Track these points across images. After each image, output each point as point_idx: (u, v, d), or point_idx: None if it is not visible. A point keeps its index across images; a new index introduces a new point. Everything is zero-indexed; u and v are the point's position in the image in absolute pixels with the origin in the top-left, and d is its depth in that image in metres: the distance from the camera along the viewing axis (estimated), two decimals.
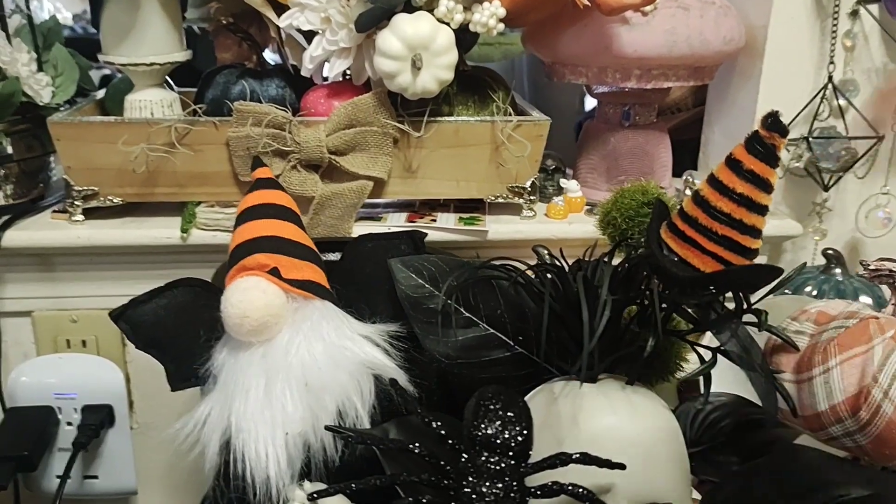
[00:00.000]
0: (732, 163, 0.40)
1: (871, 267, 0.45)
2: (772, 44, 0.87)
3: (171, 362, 0.50)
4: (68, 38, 0.92)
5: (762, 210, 0.40)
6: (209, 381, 0.48)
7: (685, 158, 1.05)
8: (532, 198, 0.88)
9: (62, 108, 0.84)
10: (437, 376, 0.48)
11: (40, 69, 0.84)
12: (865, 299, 0.82)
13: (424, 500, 0.36)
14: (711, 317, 0.42)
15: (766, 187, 0.40)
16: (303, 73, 0.83)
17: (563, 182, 0.93)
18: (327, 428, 0.43)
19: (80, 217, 0.83)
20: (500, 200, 0.87)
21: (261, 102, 0.81)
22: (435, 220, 0.87)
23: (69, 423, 0.87)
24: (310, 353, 0.45)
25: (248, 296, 0.45)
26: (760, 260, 0.93)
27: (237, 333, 0.46)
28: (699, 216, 0.40)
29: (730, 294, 0.45)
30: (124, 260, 0.85)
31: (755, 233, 0.40)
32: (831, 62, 0.86)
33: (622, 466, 0.38)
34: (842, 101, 0.87)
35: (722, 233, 0.40)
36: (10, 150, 0.83)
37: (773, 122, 0.39)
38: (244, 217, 0.50)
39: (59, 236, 0.82)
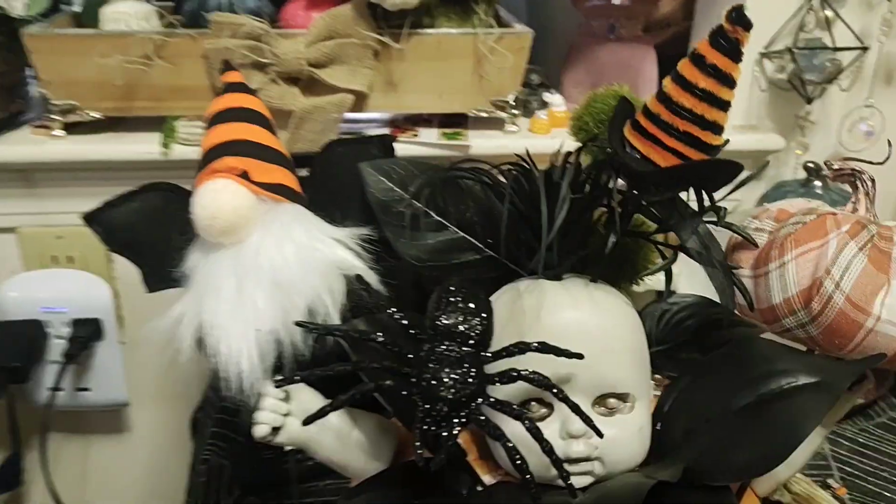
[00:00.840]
0: (696, 58, 0.40)
1: (835, 167, 0.45)
2: None
3: (146, 264, 0.51)
4: None
5: (724, 106, 0.40)
6: (180, 283, 0.49)
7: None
8: (515, 112, 0.87)
9: (37, 21, 0.83)
10: (411, 279, 0.49)
11: None
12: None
13: (385, 384, 0.37)
14: (673, 216, 0.43)
15: (729, 82, 0.40)
16: None
17: (547, 96, 0.92)
18: (296, 323, 0.44)
19: (61, 132, 0.83)
20: (483, 115, 0.87)
21: (237, 14, 0.79)
22: (417, 136, 0.87)
23: (59, 337, 0.88)
24: (280, 254, 0.46)
25: (218, 197, 0.46)
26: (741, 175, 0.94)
27: (207, 235, 0.47)
28: (661, 112, 0.41)
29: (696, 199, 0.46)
30: (107, 175, 0.85)
31: (717, 129, 0.40)
32: None
33: (580, 356, 0.40)
34: (828, 12, 0.85)
35: (683, 129, 0.40)
36: None
37: (737, 15, 0.39)
38: (214, 120, 0.50)
39: (40, 151, 0.82)
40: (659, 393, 0.47)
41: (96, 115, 0.82)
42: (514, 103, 0.86)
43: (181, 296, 0.52)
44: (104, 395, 0.93)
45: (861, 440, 0.76)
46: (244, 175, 0.47)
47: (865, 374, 0.45)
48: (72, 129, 0.83)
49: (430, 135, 0.87)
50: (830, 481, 0.71)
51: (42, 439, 0.88)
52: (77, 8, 0.91)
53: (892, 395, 0.82)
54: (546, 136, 0.88)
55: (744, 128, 0.92)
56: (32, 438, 0.97)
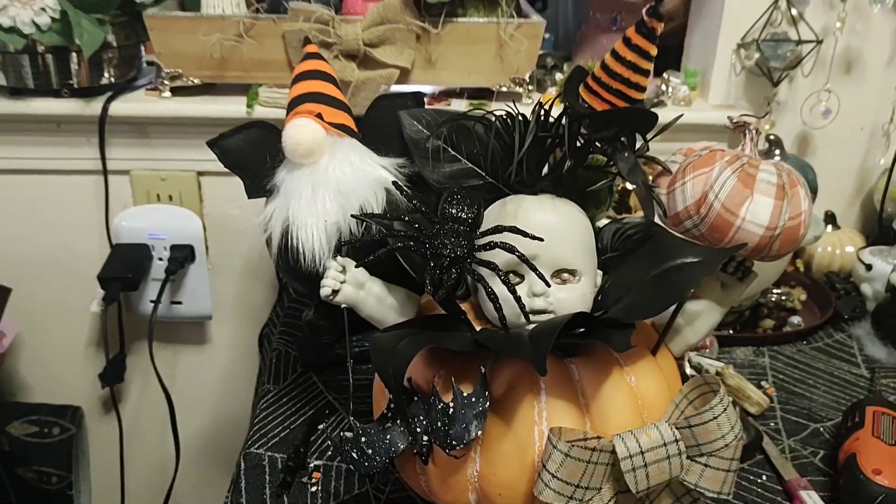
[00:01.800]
0: (626, 40, 0.59)
1: (735, 120, 0.64)
2: None
3: (248, 178, 0.71)
4: None
5: (644, 73, 0.59)
6: (272, 192, 0.70)
7: (671, 61, 1.22)
8: (531, 87, 1.07)
9: (153, 5, 1.05)
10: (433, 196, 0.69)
11: None
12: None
13: (407, 246, 0.57)
14: (613, 151, 0.62)
15: (647, 56, 0.59)
16: None
17: (559, 76, 1.11)
18: (353, 216, 0.64)
19: (168, 94, 1.05)
20: (504, 89, 1.06)
21: (310, 3, 1.00)
22: (449, 105, 1.07)
23: (160, 259, 1.11)
24: (342, 171, 0.67)
25: (301, 130, 0.66)
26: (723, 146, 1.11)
27: (292, 157, 0.67)
28: (602, 76, 0.59)
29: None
30: (202, 130, 1.06)
31: (640, 88, 0.59)
32: None
33: (541, 239, 0.59)
34: (793, 11, 1.03)
35: (615, 87, 0.59)
36: (112, 40, 1.04)
37: (652, 10, 0.58)
38: (298, 78, 0.70)
39: (152, 108, 1.04)
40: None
41: (196, 81, 1.04)
42: (529, 80, 1.05)
43: (257, 229, 0.71)
44: (193, 308, 1.15)
45: (797, 357, 0.94)
46: (319, 116, 0.68)
47: (752, 268, 0.64)
48: (177, 91, 1.05)
49: (460, 105, 1.07)
50: (763, 382, 0.89)
51: (149, 342, 1.10)
52: None
53: (831, 326, 1.00)
54: (556, 107, 1.07)
55: (721, 106, 1.10)
56: (133, 343, 1.20)
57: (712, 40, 1.08)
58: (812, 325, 0.97)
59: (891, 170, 1.09)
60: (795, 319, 0.99)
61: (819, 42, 1.02)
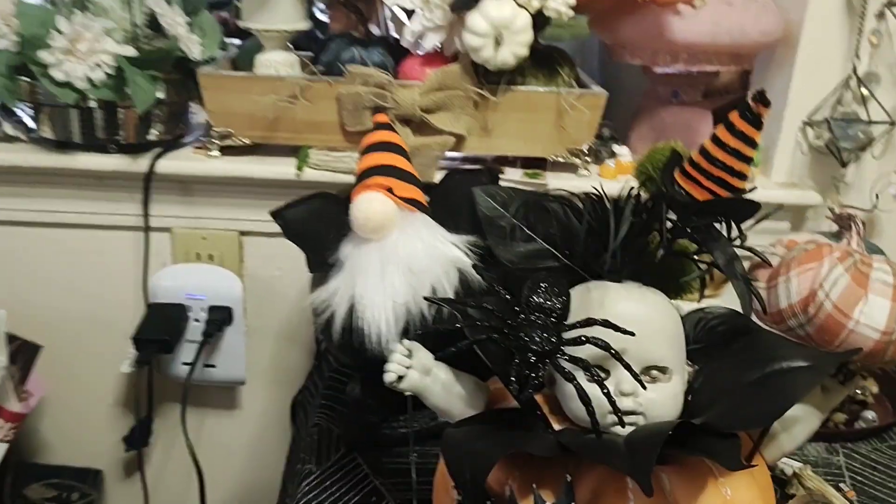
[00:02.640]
0: (728, 124, 0.56)
1: (836, 212, 0.59)
2: (805, 37, 1.00)
3: (311, 251, 0.67)
4: None
5: (748, 160, 0.55)
6: (335, 267, 0.66)
7: None
8: (588, 159, 1.03)
9: (206, 63, 1.03)
10: (503, 277, 0.65)
11: (190, 30, 1.02)
12: None
13: (488, 338, 0.53)
14: (709, 240, 0.57)
15: (752, 143, 0.55)
16: (402, 44, 0.99)
17: (616, 148, 1.08)
18: (425, 298, 0.60)
19: (217, 153, 1.02)
20: (561, 160, 1.03)
21: (367, 66, 0.98)
22: (503, 174, 1.03)
23: (196, 320, 1.07)
24: (413, 248, 0.63)
25: (372, 205, 0.63)
26: (783, 226, 1.07)
27: (361, 232, 0.63)
28: (701, 162, 0.56)
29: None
30: (248, 190, 1.04)
31: (742, 177, 0.55)
32: (857, 56, 0.99)
33: (632, 333, 0.54)
34: (864, 91, 1.00)
35: (717, 174, 0.55)
36: (163, 96, 1.02)
37: (760, 96, 0.54)
38: (368, 150, 0.67)
39: (199, 167, 1.02)
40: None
41: (247, 140, 1.02)
42: (587, 152, 1.02)
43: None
44: (227, 372, 1.11)
45: (873, 457, 0.88)
46: (389, 190, 0.64)
47: (855, 371, 0.59)
48: (225, 151, 1.02)
49: (514, 174, 1.04)
50: (842, 485, 0.83)
51: (182, 408, 1.05)
52: (232, 53, 1.11)
53: None
54: (613, 180, 1.04)
55: (787, 185, 1.06)
56: (160, 406, 1.16)
57: (777, 117, 1.05)
58: (888, 422, 0.92)
59: None
60: (870, 415, 0.93)
61: (893, 123, 0.99)
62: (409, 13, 0.98)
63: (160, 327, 1.03)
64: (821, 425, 0.90)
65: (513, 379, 0.53)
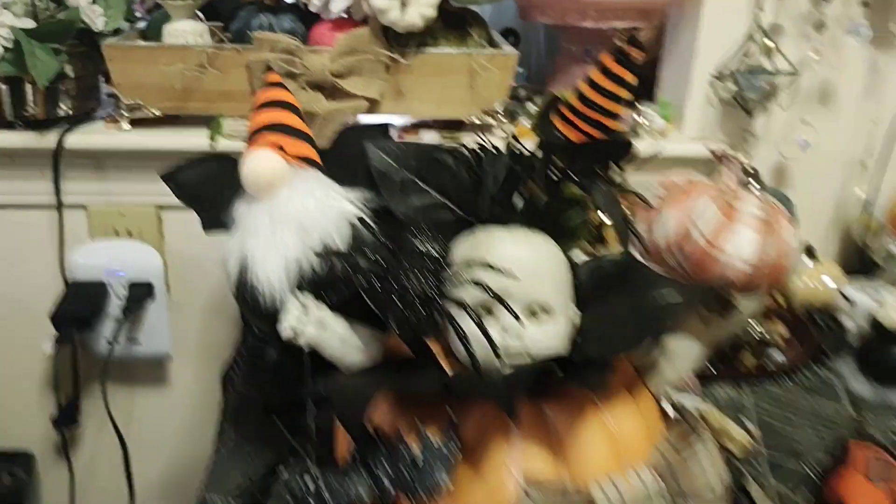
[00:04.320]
0: (603, 69, 0.57)
1: (716, 152, 0.61)
2: None
3: (205, 213, 0.67)
4: None
5: (622, 103, 0.57)
6: (231, 227, 0.66)
7: (642, 91, 1.20)
8: (503, 119, 1.04)
9: (112, 35, 1.01)
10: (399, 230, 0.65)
11: (94, 2, 1.00)
12: None
13: (373, 286, 0.54)
14: (589, 182, 0.59)
15: (625, 85, 0.56)
16: (311, 9, 0.99)
17: (530, 107, 1.09)
18: (315, 253, 0.61)
19: (128, 126, 1.01)
20: (476, 121, 1.03)
21: (276, 32, 0.97)
22: (419, 137, 1.04)
23: (117, 297, 1.06)
24: (304, 205, 0.63)
25: (261, 162, 0.63)
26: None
27: (251, 189, 0.63)
28: (578, 106, 0.57)
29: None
30: (163, 163, 1.00)
31: (616, 117, 0.57)
32: (760, 8, 1.01)
33: (514, 276, 0.56)
34: (769, 42, 1.02)
35: (592, 117, 0.56)
36: (69, 70, 1.00)
37: (631, 38, 0.56)
38: (260, 107, 0.67)
39: (110, 140, 1.00)
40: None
41: (157, 112, 1.00)
42: (501, 112, 1.03)
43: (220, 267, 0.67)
44: (152, 347, 1.10)
45: (780, 395, 0.91)
46: (280, 147, 0.64)
47: (735, 304, 0.61)
48: (137, 123, 1.01)
49: (430, 137, 1.04)
50: (746, 422, 0.85)
51: (102, 385, 1.05)
52: (142, 24, 1.09)
53: (813, 363, 0.97)
54: (528, 139, 1.05)
55: (697, 138, 1.08)
56: (88, 384, 1.15)
57: (686, 71, 1.07)
58: (794, 362, 0.95)
59: (868, 203, 1.07)
60: (777, 355, 0.96)
61: (796, 73, 1.01)
62: None
63: (79, 305, 1.02)
64: (725, 367, 0.92)
65: (397, 322, 0.54)
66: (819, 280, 1.05)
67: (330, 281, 0.62)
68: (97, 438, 1.17)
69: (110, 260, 1.05)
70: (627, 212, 0.61)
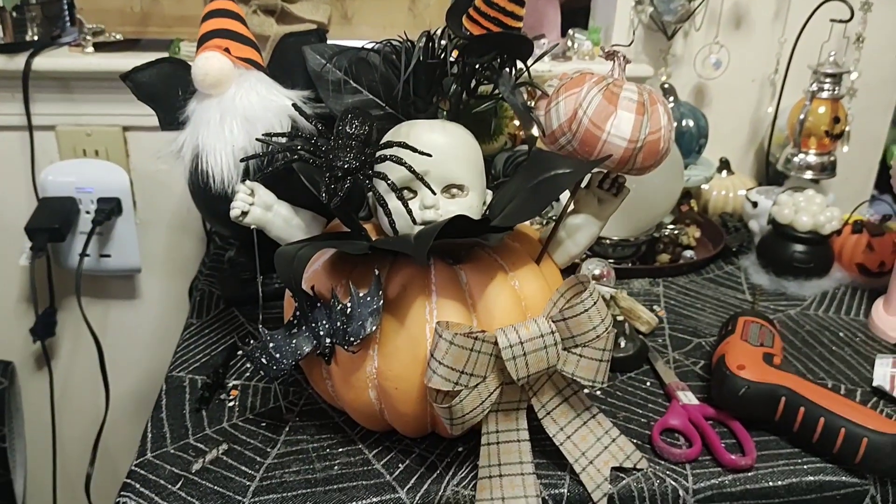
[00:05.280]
0: None
1: (606, 50, 0.70)
2: None
3: (162, 111, 0.76)
4: None
5: (519, 2, 0.65)
6: (184, 124, 0.74)
7: (581, 21, 1.29)
8: (443, 41, 1.12)
9: None
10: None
11: None
12: (688, 122, 1.09)
13: (307, 159, 0.63)
14: (496, 76, 0.68)
15: None
16: None
17: None
18: (257, 139, 0.69)
19: (91, 49, 1.08)
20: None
21: None
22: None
23: (87, 212, 1.14)
24: (248, 100, 0.71)
25: (209, 62, 0.71)
26: None
27: (201, 87, 0.72)
28: (481, 5, 0.65)
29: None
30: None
31: (515, 17, 0.65)
32: None
33: (429, 155, 0.65)
34: None
35: (493, 14, 0.65)
36: None
37: None
38: (207, 16, 0.74)
39: (75, 63, 1.07)
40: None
41: (119, 36, 1.07)
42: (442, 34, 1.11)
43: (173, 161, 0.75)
44: (122, 261, 1.19)
45: (689, 286, 1.02)
46: (226, 50, 0.72)
47: (625, 185, 0.70)
48: (100, 47, 1.08)
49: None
50: (655, 307, 0.96)
51: (77, 294, 1.13)
52: None
53: (722, 259, 1.08)
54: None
55: (614, 45, 1.17)
56: (64, 298, 1.23)
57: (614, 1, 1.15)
58: (704, 258, 1.06)
59: (775, 117, 1.18)
60: (689, 254, 1.07)
61: None
62: None
63: (51, 218, 1.10)
64: (643, 264, 1.02)
65: (327, 193, 0.63)
66: (731, 190, 1.16)
67: (270, 161, 0.70)
68: (74, 347, 1.26)
69: (79, 178, 1.13)
70: (530, 101, 0.70)
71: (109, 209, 1.13)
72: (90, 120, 1.13)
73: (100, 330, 1.20)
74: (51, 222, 1.09)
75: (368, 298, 0.64)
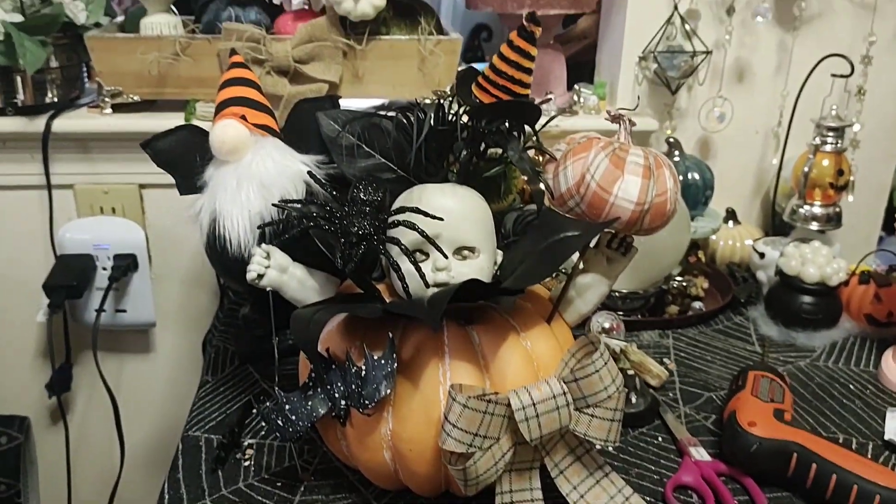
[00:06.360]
0: (509, 42, 0.67)
1: (612, 113, 0.72)
2: None
3: (180, 176, 0.78)
4: None
5: (526, 71, 0.67)
6: (202, 189, 0.76)
7: (586, 75, 1.32)
8: (451, 99, 1.15)
9: (93, 27, 1.11)
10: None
11: None
12: (694, 175, 1.11)
13: (323, 225, 0.64)
14: (504, 140, 0.70)
15: (528, 56, 0.67)
16: (275, 1, 1.09)
17: None
18: (273, 204, 0.71)
19: (109, 110, 1.11)
20: (427, 101, 1.14)
21: (243, 24, 1.08)
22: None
23: (104, 269, 1.16)
24: (264, 167, 0.73)
25: (226, 130, 0.73)
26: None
27: (218, 154, 0.74)
28: (490, 74, 0.68)
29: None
30: None
31: (523, 85, 0.68)
32: None
33: (441, 219, 0.67)
34: (687, 26, 1.13)
35: (501, 83, 0.67)
36: (54, 61, 1.10)
37: (530, 16, 0.66)
38: (224, 84, 0.77)
39: (94, 124, 1.10)
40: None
41: (136, 98, 1.10)
42: (450, 92, 1.13)
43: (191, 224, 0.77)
44: (137, 316, 1.20)
45: (698, 338, 1.03)
46: (243, 117, 0.75)
47: (633, 244, 0.72)
48: (117, 108, 1.11)
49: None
50: (665, 359, 0.97)
51: (94, 350, 1.14)
52: (120, 18, 1.20)
53: (730, 310, 1.09)
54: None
55: (620, 109, 1.19)
56: (79, 353, 1.25)
57: (617, 54, 1.18)
58: (713, 310, 1.06)
59: (780, 168, 1.19)
60: (698, 305, 1.08)
61: (709, 52, 1.12)
62: None
63: (69, 275, 1.12)
64: (652, 316, 1.03)
65: (342, 258, 0.64)
66: (738, 240, 1.17)
67: (286, 227, 0.72)
68: (89, 402, 1.27)
69: (96, 235, 1.15)
70: (538, 165, 0.72)
71: (126, 265, 1.15)
72: (107, 178, 1.15)
73: (114, 384, 1.21)
74: (68, 279, 1.11)
75: (383, 361, 0.65)
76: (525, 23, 0.67)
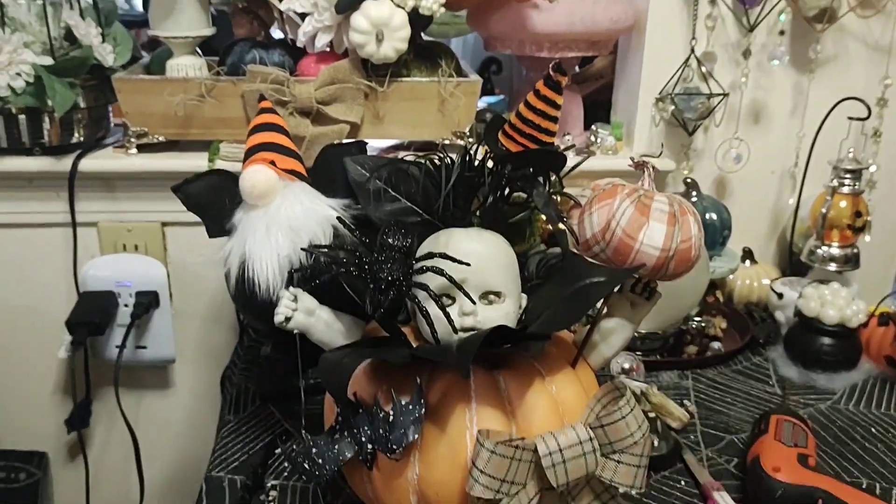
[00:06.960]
0: (535, 91, 0.69)
1: (635, 160, 0.73)
2: (651, 24, 1.15)
3: (209, 220, 0.79)
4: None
5: (552, 119, 0.69)
6: (231, 232, 0.78)
7: (602, 114, 1.33)
8: (471, 140, 1.16)
9: (120, 69, 1.13)
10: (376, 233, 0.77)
11: (103, 40, 1.13)
12: (711, 215, 1.11)
13: (352, 271, 0.65)
14: (530, 186, 0.71)
15: (554, 105, 0.68)
16: (298, 44, 1.11)
17: None
18: (302, 249, 0.72)
19: (135, 150, 1.13)
20: (447, 142, 1.16)
21: (267, 66, 1.10)
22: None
23: (126, 305, 1.17)
24: (293, 211, 0.75)
25: (256, 175, 0.75)
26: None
27: (248, 198, 0.75)
28: (517, 123, 0.69)
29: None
30: (167, 184, 1.12)
31: (549, 133, 0.69)
32: (694, 38, 1.14)
33: (467, 264, 0.68)
34: (703, 69, 1.15)
35: (527, 132, 0.68)
36: (82, 102, 1.12)
37: (556, 66, 0.68)
38: (253, 130, 0.79)
39: (119, 164, 1.12)
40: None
41: (162, 138, 1.12)
42: (469, 133, 1.15)
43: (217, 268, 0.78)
44: (157, 352, 1.21)
45: (718, 379, 1.03)
46: (272, 163, 0.76)
47: (657, 289, 0.72)
48: (143, 148, 1.13)
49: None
50: (685, 401, 0.97)
51: (115, 386, 1.15)
52: (145, 60, 1.22)
53: (749, 351, 1.09)
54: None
55: (644, 155, 1.20)
56: (98, 389, 1.25)
57: (634, 95, 1.20)
58: (731, 350, 1.07)
59: (797, 208, 1.20)
60: (716, 345, 1.08)
61: (725, 95, 1.14)
62: (303, 16, 1.10)
63: (91, 312, 1.13)
64: (671, 356, 1.04)
65: (371, 303, 0.65)
66: (755, 279, 1.18)
67: (315, 272, 0.73)
68: (108, 438, 1.28)
69: (119, 272, 1.16)
70: (562, 211, 0.73)
71: (147, 302, 1.16)
72: (131, 217, 1.17)
73: (133, 420, 1.21)
74: (91, 316, 1.12)
75: (410, 407, 0.66)
76: (551, 72, 0.68)
